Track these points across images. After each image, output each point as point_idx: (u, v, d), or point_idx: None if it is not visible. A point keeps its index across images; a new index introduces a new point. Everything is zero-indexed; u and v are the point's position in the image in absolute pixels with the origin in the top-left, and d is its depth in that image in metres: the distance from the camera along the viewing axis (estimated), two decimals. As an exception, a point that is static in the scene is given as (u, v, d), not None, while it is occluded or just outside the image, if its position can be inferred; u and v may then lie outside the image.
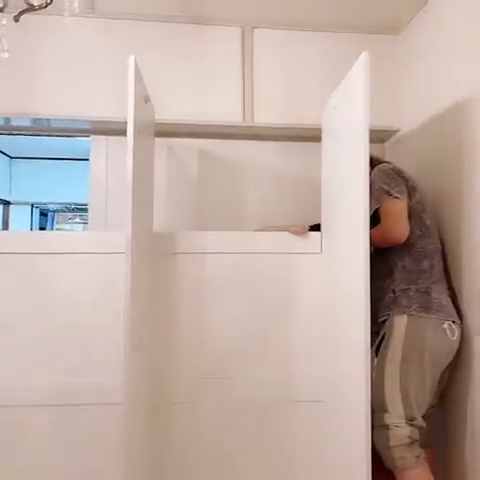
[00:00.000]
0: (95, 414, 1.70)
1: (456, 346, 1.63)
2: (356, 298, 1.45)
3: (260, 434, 1.77)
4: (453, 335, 1.60)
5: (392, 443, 1.54)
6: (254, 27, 2.30)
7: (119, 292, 1.51)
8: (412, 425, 1.56)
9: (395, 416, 1.55)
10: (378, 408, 1.57)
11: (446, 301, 1.65)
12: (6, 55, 1.57)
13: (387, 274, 1.71)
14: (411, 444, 1.55)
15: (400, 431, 1.54)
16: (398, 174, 1.70)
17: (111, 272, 1.71)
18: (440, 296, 1.65)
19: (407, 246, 1.67)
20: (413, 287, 1.65)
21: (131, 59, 1.49)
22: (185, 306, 1.78)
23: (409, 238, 1.65)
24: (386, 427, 1.56)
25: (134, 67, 1.49)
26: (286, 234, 1.83)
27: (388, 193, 1.64)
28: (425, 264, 1.67)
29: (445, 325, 1.60)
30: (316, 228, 1.88)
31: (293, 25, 2.30)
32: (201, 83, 2.28)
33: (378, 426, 1.57)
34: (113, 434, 1.61)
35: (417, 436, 1.56)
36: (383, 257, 1.72)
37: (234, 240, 1.83)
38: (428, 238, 1.70)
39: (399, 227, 1.63)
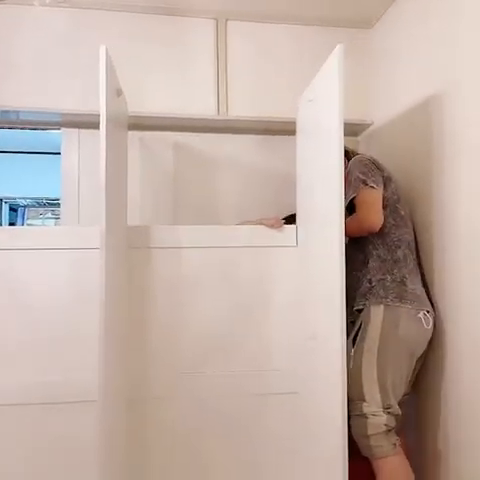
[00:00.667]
0: (71, 412, 1.67)
1: (430, 335, 1.67)
2: (332, 290, 1.46)
3: (236, 427, 1.78)
4: (428, 324, 1.64)
5: (369, 432, 1.57)
6: (228, 19, 2.29)
7: (93, 288, 1.49)
8: (389, 413, 1.58)
9: (373, 405, 1.58)
10: (355, 397, 1.60)
11: (420, 291, 1.69)
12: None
13: (362, 263, 1.74)
14: (388, 432, 1.58)
15: (377, 420, 1.57)
16: (375, 165, 1.73)
17: (85, 267, 1.69)
18: (415, 286, 1.68)
19: (382, 235, 1.70)
20: (389, 277, 1.68)
21: (102, 49, 1.46)
22: (161, 301, 1.77)
23: (384, 227, 1.68)
24: (364, 416, 1.58)
25: (105, 57, 1.46)
26: (261, 228, 1.82)
27: (364, 183, 1.67)
28: (399, 253, 1.70)
29: (420, 314, 1.64)
30: (291, 218, 1.89)
31: (267, 17, 2.29)
32: (175, 75, 2.26)
33: (355, 415, 1.60)
34: (91, 432, 1.60)
35: (393, 424, 1.60)
36: (358, 246, 1.75)
37: (209, 234, 1.82)
38: (403, 228, 1.73)
39: (374, 216, 1.66)
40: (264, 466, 1.78)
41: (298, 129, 1.88)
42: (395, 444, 1.58)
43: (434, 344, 1.70)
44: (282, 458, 1.79)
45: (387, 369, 1.59)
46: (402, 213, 1.74)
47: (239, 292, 1.81)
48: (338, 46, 1.40)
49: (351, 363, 1.62)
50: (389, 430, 1.58)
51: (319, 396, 1.61)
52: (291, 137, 1.91)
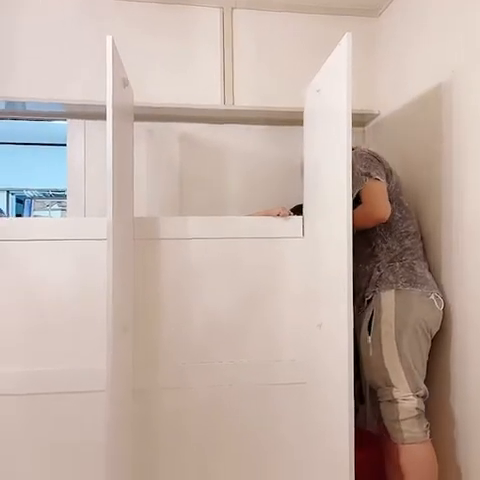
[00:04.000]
0: (80, 402, 1.68)
1: (441, 317, 1.68)
2: (339, 281, 1.46)
3: (244, 417, 1.79)
4: (440, 306, 1.66)
5: (401, 416, 1.58)
6: (234, 8, 2.27)
7: (100, 279, 1.49)
8: (418, 396, 1.60)
9: (402, 390, 1.59)
10: (383, 384, 1.62)
11: (429, 275, 1.71)
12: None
13: (371, 256, 1.75)
14: (419, 416, 1.59)
15: (408, 404, 1.58)
16: (376, 158, 1.73)
17: (92, 259, 1.69)
18: (423, 271, 1.70)
19: (390, 228, 1.72)
20: (398, 263, 1.69)
21: (108, 39, 1.45)
22: (168, 292, 1.77)
23: (391, 220, 1.69)
24: (394, 401, 1.59)
25: (111, 47, 1.45)
26: (268, 219, 1.82)
27: (368, 175, 1.67)
28: (407, 243, 1.72)
29: (432, 296, 1.65)
30: (298, 208, 1.90)
31: (273, 6, 2.27)
32: (180, 65, 2.24)
33: (386, 401, 1.62)
34: (99, 421, 1.61)
35: (423, 407, 1.61)
36: (365, 240, 1.75)
37: (216, 225, 1.82)
38: (409, 220, 1.75)
39: (382, 206, 1.66)
40: (271, 455, 1.79)
41: (305, 119, 1.87)
42: (426, 431, 1.59)
43: (442, 327, 1.70)
44: (290, 448, 1.80)
45: (408, 351, 1.60)
46: (406, 205, 1.76)
47: (246, 283, 1.81)
48: (346, 34, 1.39)
49: (370, 351, 1.64)
50: (420, 414, 1.59)
51: (327, 386, 1.61)
52: (298, 127, 1.90)
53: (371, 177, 1.66)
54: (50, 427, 1.69)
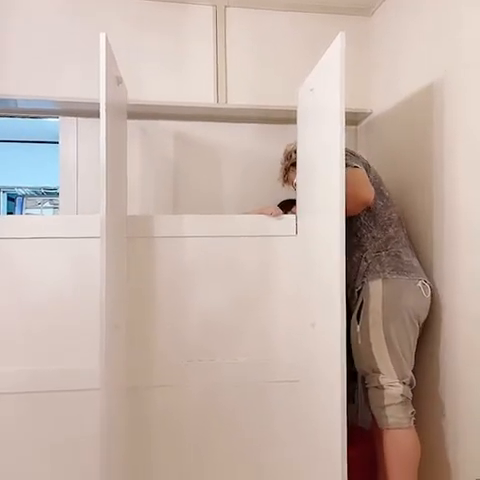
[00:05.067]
0: (76, 400, 1.68)
1: (429, 304, 1.70)
2: (331, 279, 1.47)
3: (238, 414, 1.79)
4: (426, 293, 1.68)
5: (386, 402, 1.60)
6: (227, 6, 2.27)
7: (93, 277, 1.49)
8: (404, 383, 1.61)
9: (388, 376, 1.61)
10: (370, 371, 1.64)
11: (416, 263, 1.73)
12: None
13: (357, 246, 1.76)
14: (405, 403, 1.61)
15: (394, 390, 1.60)
16: (350, 152, 1.74)
17: (84, 257, 1.69)
18: (410, 259, 1.72)
19: (373, 217, 1.74)
20: (383, 253, 1.71)
21: (102, 37, 1.45)
22: (161, 290, 1.77)
23: (374, 209, 1.73)
24: (381, 387, 1.62)
25: (105, 45, 1.45)
26: (261, 217, 1.83)
27: (347, 165, 1.66)
28: (391, 231, 1.74)
29: (419, 284, 1.67)
30: (287, 203, 1.92)
31: (266, 4, 2.28)
32: (173, 63, 2.24)
33: (372, 387, 1.64)
34: (95, 420, 1.61)
35: (410, 395, 1.63)
36: (351, 231, 1.76)
37: (210, 223, 1.82)
38: (391, 207, 1.78)
39: (365, 188, 1.66)
40: (265, 452, 1.80)
41: (299, 118, 1.87)
42: (410, 418, 1.61)
43: (432, 315, 1.72)
44: (283, 445, 1.80)
45: (396, 339, 1.62)
46: (387, 194, 1.79)
47: (239, 281, 1.81)
48: (340, 34, 1.39)
49: (359, 339, 1.66)
50: (406, 401, 1.61)
51: (320, 384, 1.62)
52: (291, 126, 1.90)
53: (349, 166, 1.65)
54: (47, 425, 1.68)
